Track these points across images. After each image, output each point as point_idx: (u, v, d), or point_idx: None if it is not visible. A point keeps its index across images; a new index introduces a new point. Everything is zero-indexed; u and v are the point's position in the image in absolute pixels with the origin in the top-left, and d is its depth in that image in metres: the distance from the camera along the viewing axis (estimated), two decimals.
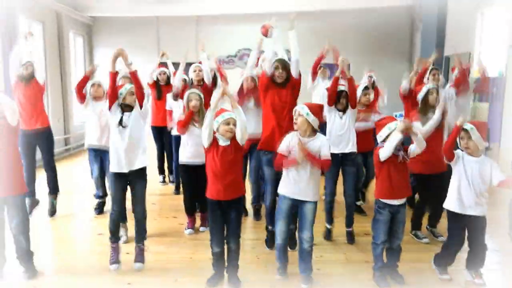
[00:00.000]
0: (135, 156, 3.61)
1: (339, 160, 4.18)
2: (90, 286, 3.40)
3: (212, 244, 3.33)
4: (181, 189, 5.75)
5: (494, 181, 3.22)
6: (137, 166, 3.62)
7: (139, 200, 3.71)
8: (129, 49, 11.45)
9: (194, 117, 4.29)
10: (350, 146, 4.20)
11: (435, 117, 4.08)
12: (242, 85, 4.69)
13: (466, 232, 3.38)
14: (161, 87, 6.18)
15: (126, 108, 3.61)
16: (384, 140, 3.30)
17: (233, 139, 3.23)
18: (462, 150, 3.33)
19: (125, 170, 3.58)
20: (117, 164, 3.59)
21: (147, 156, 3.74)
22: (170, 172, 6.44)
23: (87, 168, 5.19)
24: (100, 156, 4.85)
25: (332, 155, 4.09)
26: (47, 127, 5.03)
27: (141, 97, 3.61)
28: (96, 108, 4.76)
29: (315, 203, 3.35)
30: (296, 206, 3.36)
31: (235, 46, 11.40)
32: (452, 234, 3.43)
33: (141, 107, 3.63)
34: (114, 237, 3.74)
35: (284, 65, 3.85)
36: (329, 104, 4.19)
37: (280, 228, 3.42)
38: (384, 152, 3.22)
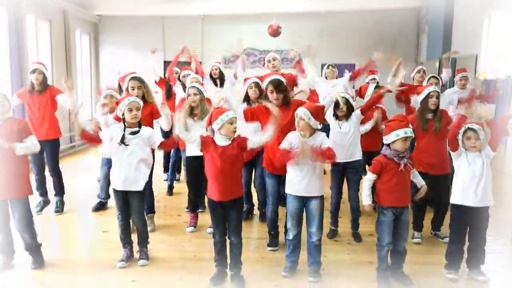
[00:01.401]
0: (132, 178, 3.57)
1: (341, 169, 4.22)
2: (95, 282, 3.41)
3: (214, 235, 3.38)
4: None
5: (490, 154, 3.38)
6: (132, 188, 3.59)
7: (136, 213, 3.71)
8: (134, 48, 11.50)
9: (193, 111, 4.23)
10: (353, 156, 4.18)
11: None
12: (247, 93, 4.44)
13: (467, 227, 3.48)
14: (171, 86, 6.15)
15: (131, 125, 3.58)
16: (388, 145, 3.31)
17: (234, 139, 3.22)
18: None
19: (120, 189, 3.61)
20: (114, 181, 3.64)
21: (146, 178, 3.68)
22: (166, 170, 6.48)
23: (92, 166, 5.21)
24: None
25: (335, 163, 4.11)
26: (57, 138, 5.06)
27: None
28: (109, 118, 4.72)
29: (321, 200, 3.41)
30: (303, 203, 3.42)
31: (242, 45, 11.40)
32: (454, 228, 3.52)
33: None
34: (124, 242, 3.78)
35: (278, 87, 3.74)
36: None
37: (290, 226, 3.49)
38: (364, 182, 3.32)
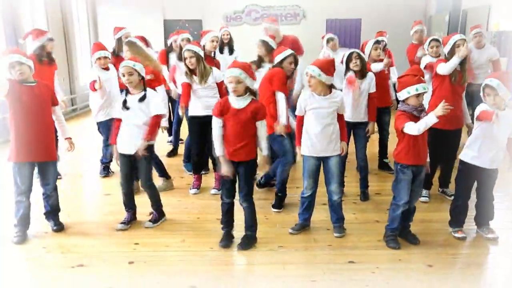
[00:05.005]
0: (138, 141, 3.50)
1: (350, 127, 4.09)
2: (98, 246, 3.39)
3: (222, 195, 3.33)
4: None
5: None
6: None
7: (142, 177, 3.69)
8: (132, 6, 11.11)
9: (193, 72, 4.16)
10: (362, 116, 4.15)
11: (454, 59, 3.82)
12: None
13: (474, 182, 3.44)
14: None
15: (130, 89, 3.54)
16: (404, 100, 3.15)
17: (250, 103, 3.12)
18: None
19: (127, 152, 3.55)
20: (120, 144, 3.57)
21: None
22: (170, 134, 6.38)
23: (94, 129, 5.10)
24: (110, 125, 4.72)
25: None
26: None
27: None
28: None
29: (338, 156, 3.39)
30: (320, 162, 3.42)
31: (243, 1, 11.01)
32: (461, 183, 3.45)
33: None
34: (128, 207, 3.76)
35: (296, 61, 3.92)
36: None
37: (306, 185, 3.48)
38: (414, 131, 3.06)
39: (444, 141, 3.97)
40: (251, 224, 3.34)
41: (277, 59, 3.93)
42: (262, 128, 3.16)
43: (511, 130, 3.23)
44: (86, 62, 10.67)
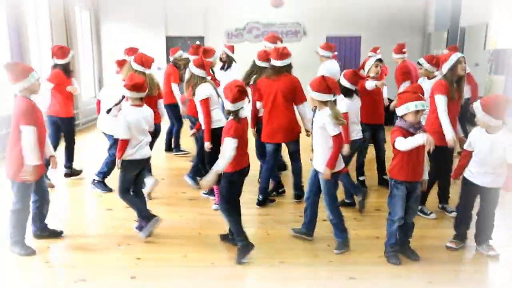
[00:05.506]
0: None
1: None
2: (100, 261, 3.40)
3: None
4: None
5: (508, 159, 3.20)
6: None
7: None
8: (136, 23, 11.20)
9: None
10: (354, 134, 4.21)
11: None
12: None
13: (476, 199, 3.51)
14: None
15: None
16: (402, 116, 3.20)
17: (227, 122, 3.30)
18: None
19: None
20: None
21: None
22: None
23: (96, 144, 5.16)
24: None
25: None
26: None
27: None
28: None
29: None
30: (317, 173, 3.52)
31: (244, 18, 11.16)
32: (461, 198, 3.55)
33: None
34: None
35: None
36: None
37: (307, 192, 3.65)
38: (401, 147, 3.11)
39: (440, 156, 4.00)
40: (235, 234, 3.39)
41: (286, 62, 4.25)
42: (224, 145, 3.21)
43: (509, 153, 3.18)
44: (89, 76, 10.79)
